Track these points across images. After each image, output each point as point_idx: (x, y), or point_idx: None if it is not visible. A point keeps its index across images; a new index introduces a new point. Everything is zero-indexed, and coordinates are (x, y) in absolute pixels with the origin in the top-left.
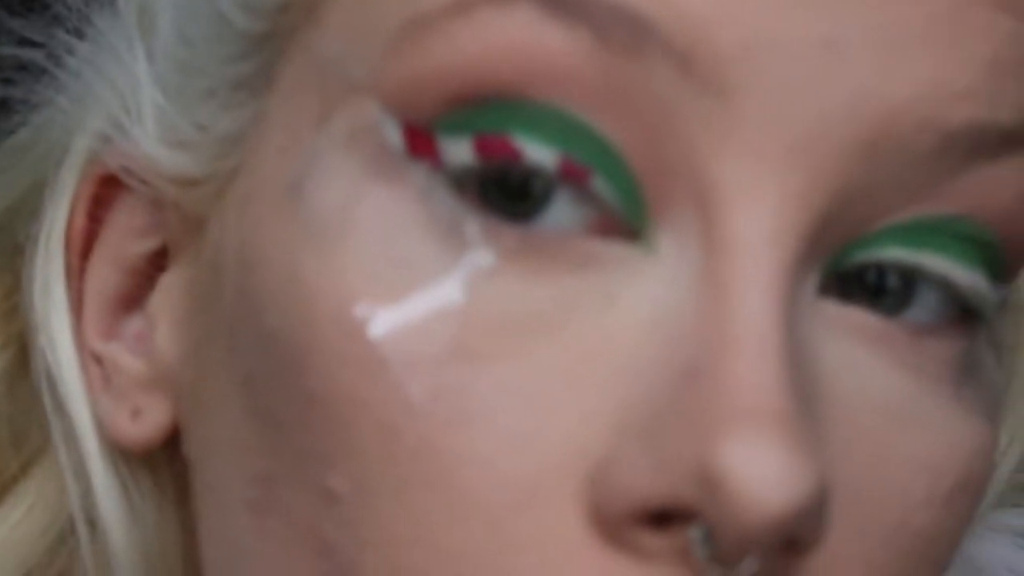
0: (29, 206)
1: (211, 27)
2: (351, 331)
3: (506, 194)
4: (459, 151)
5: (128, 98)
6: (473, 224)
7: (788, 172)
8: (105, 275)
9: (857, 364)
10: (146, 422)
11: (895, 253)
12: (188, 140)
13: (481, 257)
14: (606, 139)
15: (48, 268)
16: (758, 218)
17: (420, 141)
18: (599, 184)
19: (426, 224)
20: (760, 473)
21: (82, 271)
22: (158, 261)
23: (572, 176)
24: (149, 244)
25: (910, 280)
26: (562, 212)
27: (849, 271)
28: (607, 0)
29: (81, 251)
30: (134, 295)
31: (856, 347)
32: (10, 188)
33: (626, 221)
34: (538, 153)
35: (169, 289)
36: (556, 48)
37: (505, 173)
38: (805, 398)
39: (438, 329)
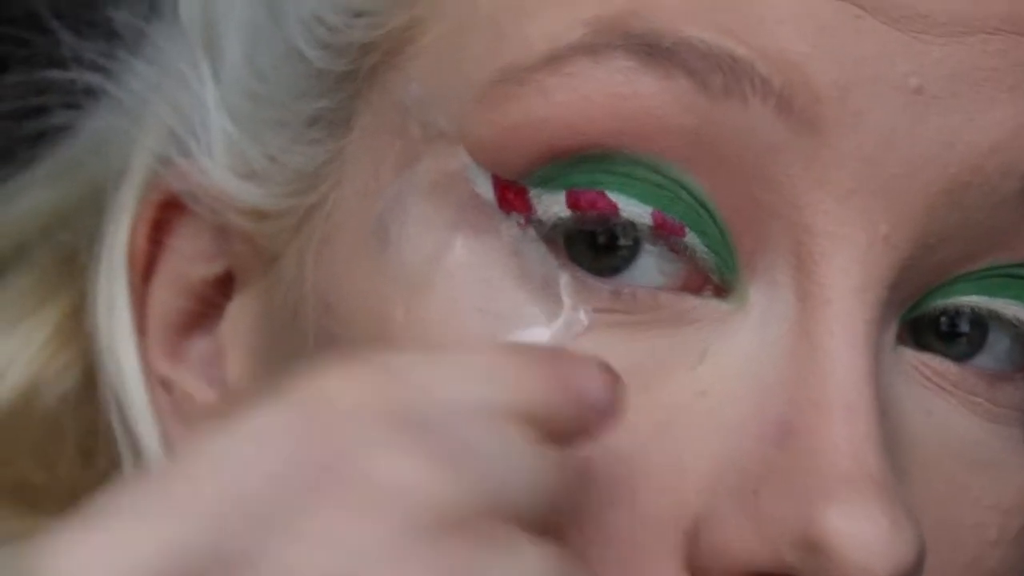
0: (84, 221)
1: (284, 60)
2: None
3: (593, 248)
4: (552, 204)
5: (194, 122)
6: (566, 280)
7: (878, 215)
8: (168, 298)
9: (934, 410)
10: None
11: (970, 299)
12: (259, 171)
13: (575, 315)
14: (700, 195)
15: (112, 289)
16: (847, 265)
17: (512, 194)
18: (692, 239)
19: (519, 278)
20: (865, 540)
21: (144, 293)
22: (222, 285)
23: (666, 231)
24: (213, 269)
25: (983, 325)
26: (649, 267)
27: (923, 317)
28: (704, 46)
29: (143, 273)
30: (197, 318)
31: (933, 394)
32: (64, 201)
33: (717, 276)
34: (633, 208)
35: (239, 318)
36: (652, 98)
37: (599, 226)
38: (893, 453)
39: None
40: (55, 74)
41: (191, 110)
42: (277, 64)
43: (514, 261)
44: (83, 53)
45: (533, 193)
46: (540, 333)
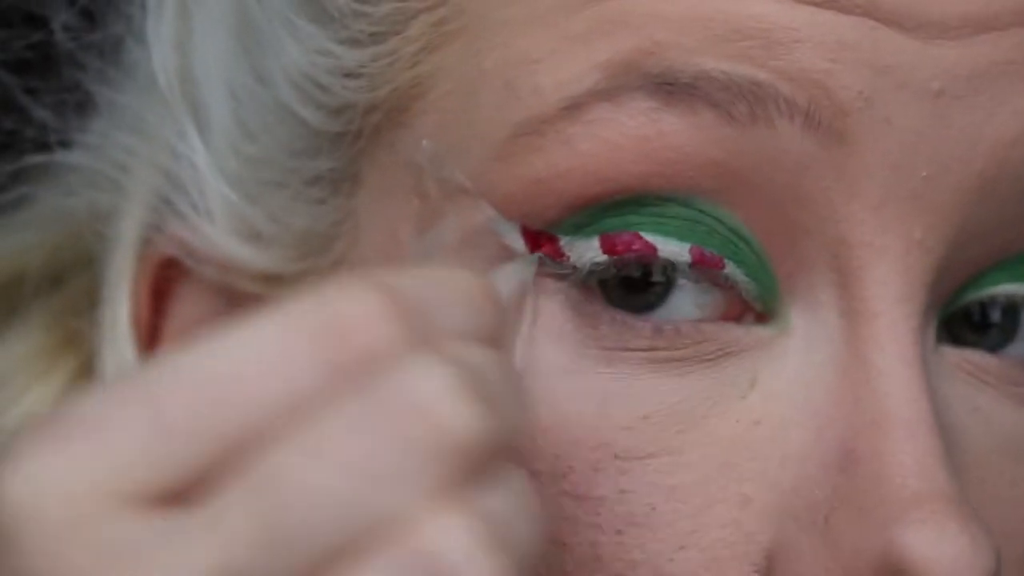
0: (76, 284)
1: (275, 121)
2: None
3: (627, 288)
4: (586, 250)
5: (188, 188)
6: (605, 324)
7: (911, 220)
8: None
9: (979, 406)
10: None
11: (1003, 288)
12: (264, 234)
13: (618, 359)
14: (735, 225)
15: (121, 359)
16: (887, 275)
17: (543, 244)
18: (731, 270)
19: (562, 330)
20: (947, 560)
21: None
22: None
23: (705, 265)
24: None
25: (1015, 313)
26: (684, 302)
27: (956, 312)
28: (724, 76)
29: (148, 340)
30: None
31: (976, 389)
32: (51, 261)
33: (759, 303)
34: (671, 247)
35: None
36: (677, 135)
37: (637, 268)
38: (952, 460)
39: (585, 436)
40: (36, 159)
41: (182, 176)
42: (269, 125)
43: (552, 311)
44: (60, 131)
45: (564, 241)
46: (585, 384)
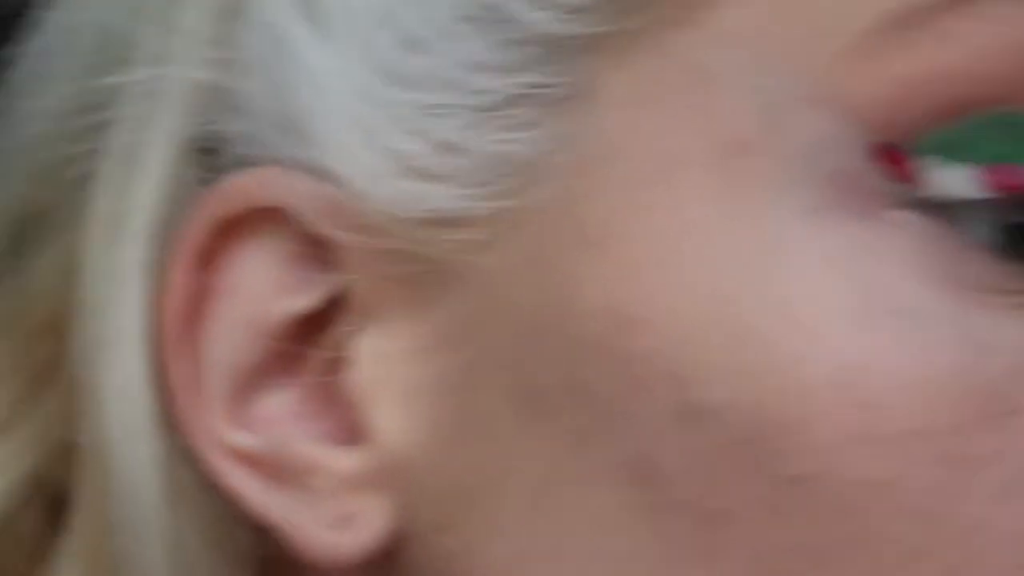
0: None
1: (462, 24)
2: (855, 401)
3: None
4: (956, 181)
5: (296, 116)
6: (975, 263)
7: None
8: (232, 347)
9: None
10: (362, 530)
11: None
12: (430, 168)
13: (991, 302)
14: None
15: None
16: None
17: (898, 163)
18: None
19: (916, 265)
20: None
21: (192, 342)
22: (309, 321)
23: None
24: (303, 301)
25: None
26: None
27: None
28: None
29: (187, 319)
30: (272, 365)
31: None
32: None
33: None
34: None
35: (386, 359)
36: None
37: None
38: None
39: (956, 391)
40: None
41: (289, 100)
42: (448, 30)
43: (908, 245)
44: None
45: (924, 162)
46: (953, 333)
